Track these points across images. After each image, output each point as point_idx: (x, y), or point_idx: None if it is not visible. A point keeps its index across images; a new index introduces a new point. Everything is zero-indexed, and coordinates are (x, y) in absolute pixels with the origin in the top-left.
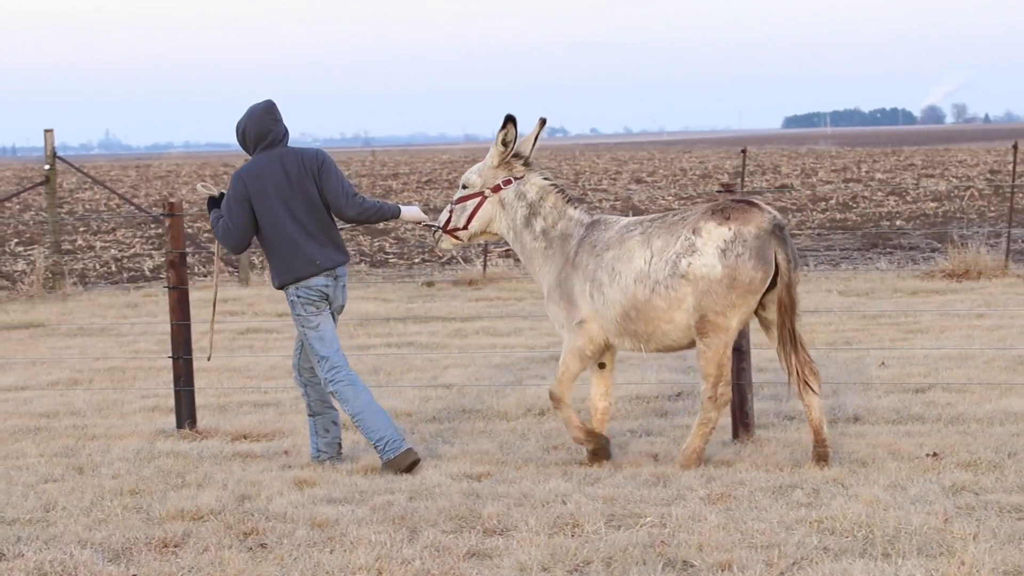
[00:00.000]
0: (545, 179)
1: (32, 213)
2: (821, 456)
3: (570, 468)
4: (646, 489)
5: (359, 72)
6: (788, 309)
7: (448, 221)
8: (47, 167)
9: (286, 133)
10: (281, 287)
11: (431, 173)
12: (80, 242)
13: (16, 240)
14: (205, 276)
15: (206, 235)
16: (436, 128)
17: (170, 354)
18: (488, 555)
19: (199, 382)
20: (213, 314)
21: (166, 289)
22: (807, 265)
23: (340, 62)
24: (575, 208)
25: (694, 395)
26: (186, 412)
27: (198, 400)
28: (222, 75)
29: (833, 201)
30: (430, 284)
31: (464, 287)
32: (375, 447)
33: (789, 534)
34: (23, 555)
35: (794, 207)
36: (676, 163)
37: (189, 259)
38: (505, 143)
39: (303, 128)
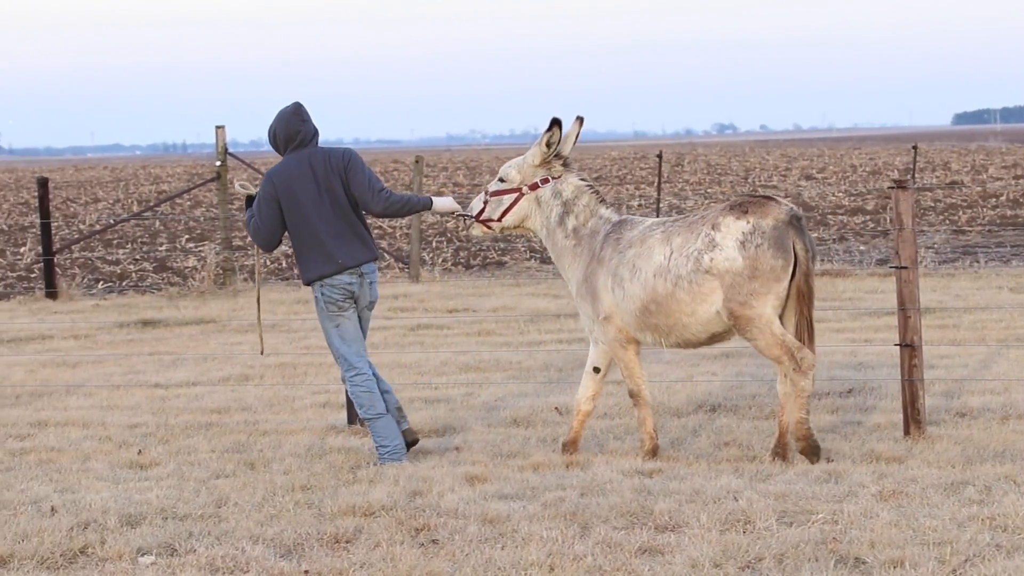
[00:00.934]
0: (581, 179)
1: (203, 209)
2: (779, 454)
3: (741, 464)
4: (817, 486)
5: (527, 69)
6: (806, 298)
7: (482, 211)
8: (218, 163)
9: (315, 133)
10: (308, 283)
11: (600, 170)
12: (250, 238)
13: (187, 236)
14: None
15: (376, 231)
16: (605, 124)
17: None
18: (660, 551)
19: None
20: (259, 311)
21: None
22: (977, 261)
23: (506, 60)
24: (606, 208)
25: (865, 391)
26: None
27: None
28: (396, 71)
29: (1004, 198)
30: None
31: None
32: (377, 449)
33: (961, 531)
34: (195, 551)
35: (964, 203)
36: (846, 160)
37: None
38: (549, 144)
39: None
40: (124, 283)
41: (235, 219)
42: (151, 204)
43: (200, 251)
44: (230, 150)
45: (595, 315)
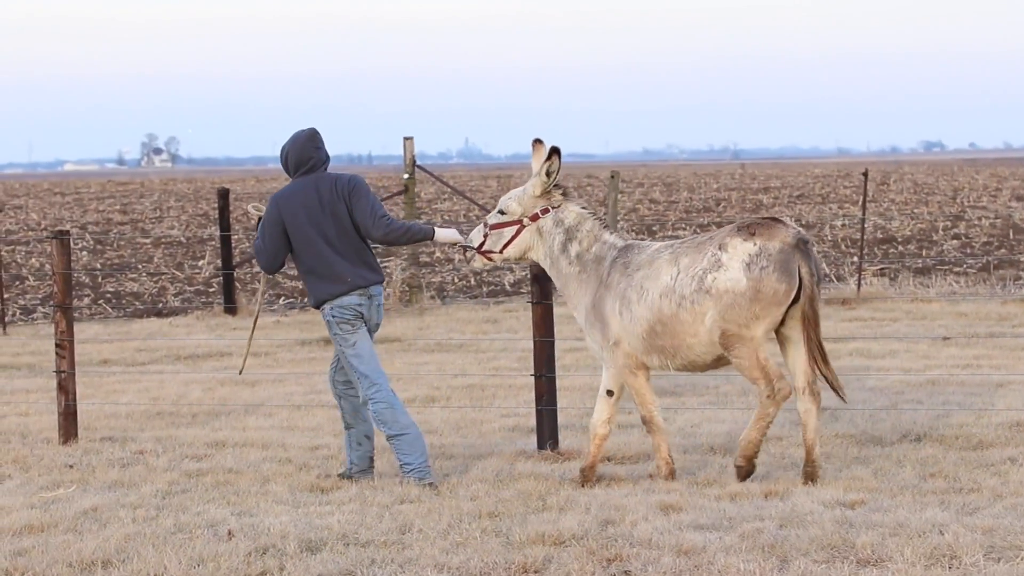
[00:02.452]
0: (583, 207)
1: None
2: (809, 475)
3: (947, 496)
4: None
5: (729, 82)
6: (812, 322)
7: (483, 243)
8: (406, 176)
9: (326, 160)
10: (317, 306)
11: (803, 187)
12: (438, 254)
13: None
14: None
15: None
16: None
17: (532, 372)
18: None
19: (561, 401)
20: (252, 330)
21: (529, 304)
22: None
23: (703, 72)
24: (610, 233)
25: None
26: (548, 432)
27: (560, 420)
28: (592, 82)
29: None
30: None
31: (837, 306)
32: (401, 469)
33: None
34: None
35: None
36: None
37: None
38: (548, 174)
39: (669, 139)
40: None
41: None
42: None
43: (385, 267)
44: (418, 163)
45: (605, 341)
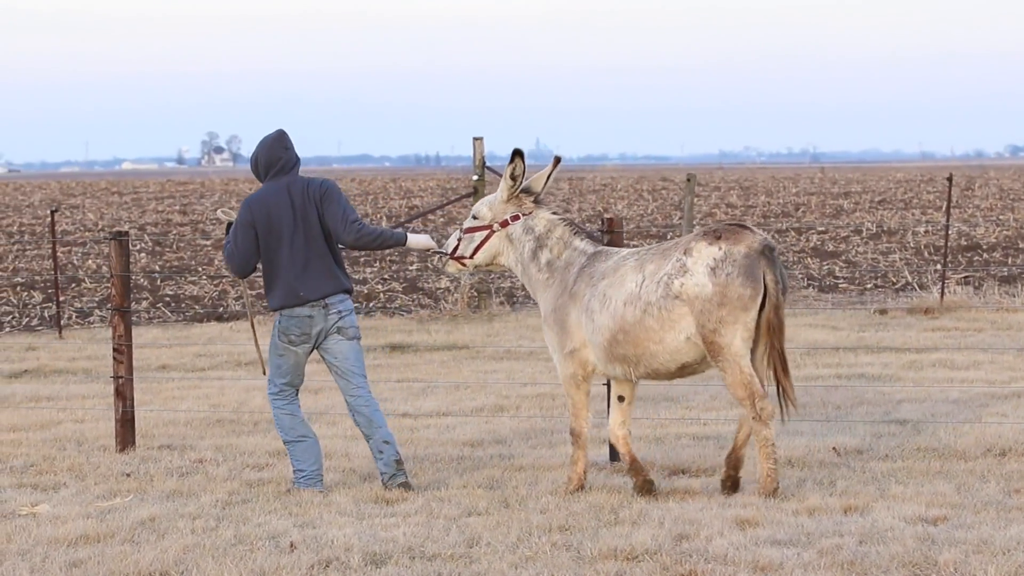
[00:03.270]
0: (553, 213)
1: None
2: (729, 485)
3: None
4: None
5: (808, 82)
6: (776, 330)
7: (456, 248)
8: (475, 177)
9: (297, 161)
10: (273, 311)
11: (884, 192)
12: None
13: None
14: None
15: None
16: (890, 144)
17: (604, 381)
18: None
19: (636, 411)
20: (254, 332)
21: None
22: None
23: (787, 71)
24: (581, 239)
25: None
26: None
27: (633, 431)
28: (666, 81)
29: None
30: (883, 312)
31: (920, 315)
32: (294, 472)
33: None
34: None
35: None
36: None
37: None
38: (514, 177)
39: (746, 142)
40: (371, 304)
41: None
42: (401, 220)
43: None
44: (488, 163)
45: (560, 347)
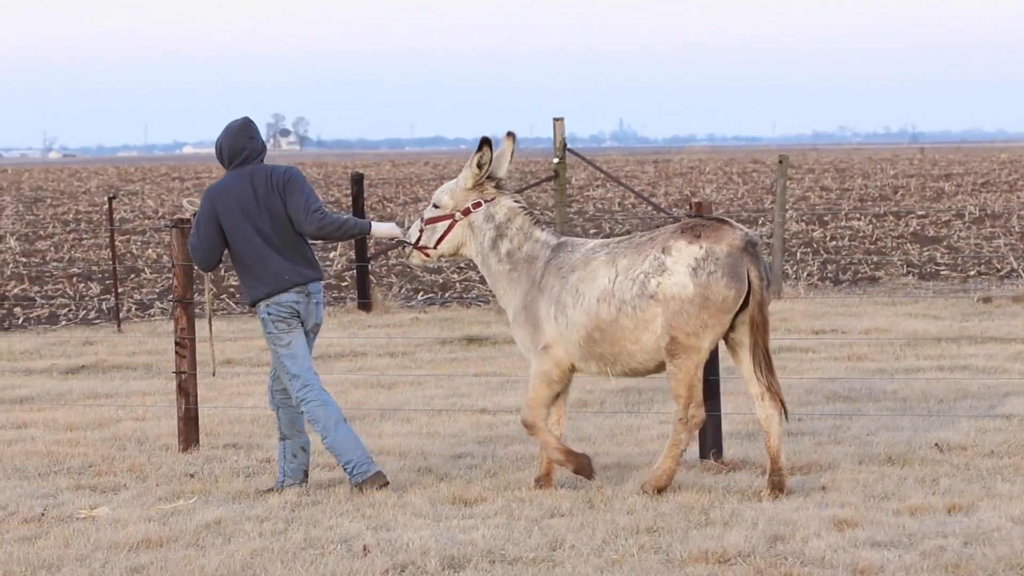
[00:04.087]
0: (515, 201)
1: (537, 212)
2: (776, 485)
3: None
4: None
5: (907, 59)
6: (761, 328)
7: (419, 239)
8: (556, 160)
9: (262, 150)
10: (253, 304)
11: (988, 174)
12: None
13: None
14: None
15: None
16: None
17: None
18: None
19: (725, 406)
20: (211, 329)
21: None
22: None
23: (884, 47)
24: (542, 230)
25: None
26: (711, 440)
27: (724, 427)
28: (755, 59)
29: None
30: (987, 300)
31: None
32: (344, 469)
33: None
34: None
35: None
36: None
37: None
38: (480, 165)
39: (841, 121)
40: (447, 294)
41: (574, 224)
42: None
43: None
44: (569, 146)
45: (533, 345)
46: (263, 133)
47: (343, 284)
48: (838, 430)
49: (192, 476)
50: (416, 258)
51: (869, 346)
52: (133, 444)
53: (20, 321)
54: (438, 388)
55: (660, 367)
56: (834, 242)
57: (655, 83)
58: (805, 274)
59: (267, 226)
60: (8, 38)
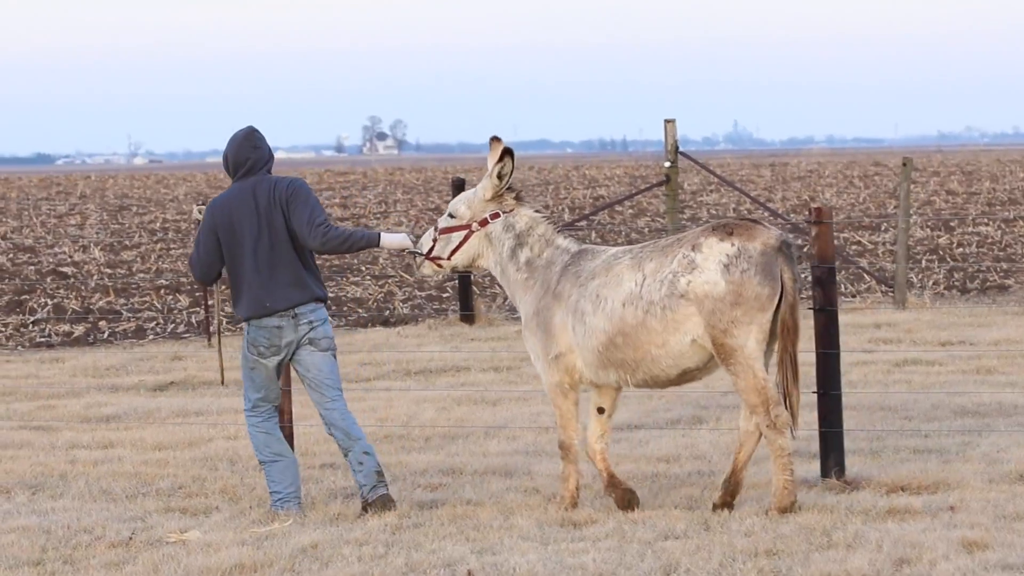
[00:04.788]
0: (536, 211)
1: (648, 219)
2: (724, 502)
3: None
4: None
5: None
6: (792, 333)
7: (432, 249)
8: (667, 164)
9: (268, 159)
10: (241, 321)
11: None
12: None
13: None
14: (854, 296)
15: (854, 247)
16: None
17: (814, 389)
18: None
19: (848, 422)
20: (220, 342)
21: (809, 311)
22: None
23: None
24: (564, 238)
25: None
26: (833, 458)
27: (847, 444)
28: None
29: None
30: None
31: None
32: (271, 495)
33: None
34: None
35: None
36: None
37: (838, 275)
38: (501, 176)
39: (968, 121)
40: None
41: (685, 230)
42: (586, 212)
43: None
44: (681, 148)
45: (543, 353)
46: (359, 137)
47: (444, 295)
48: (966, 447)
49: None
50: (427, 268)
51: (999, 358)
52: (225, 464)
53: (106, 336)
54: (545, 404)
55: (682, 376)
56: (961, 249)
57: (771, 82)
58: (931, 283)
59: (264, 244)
60: (94, 39)
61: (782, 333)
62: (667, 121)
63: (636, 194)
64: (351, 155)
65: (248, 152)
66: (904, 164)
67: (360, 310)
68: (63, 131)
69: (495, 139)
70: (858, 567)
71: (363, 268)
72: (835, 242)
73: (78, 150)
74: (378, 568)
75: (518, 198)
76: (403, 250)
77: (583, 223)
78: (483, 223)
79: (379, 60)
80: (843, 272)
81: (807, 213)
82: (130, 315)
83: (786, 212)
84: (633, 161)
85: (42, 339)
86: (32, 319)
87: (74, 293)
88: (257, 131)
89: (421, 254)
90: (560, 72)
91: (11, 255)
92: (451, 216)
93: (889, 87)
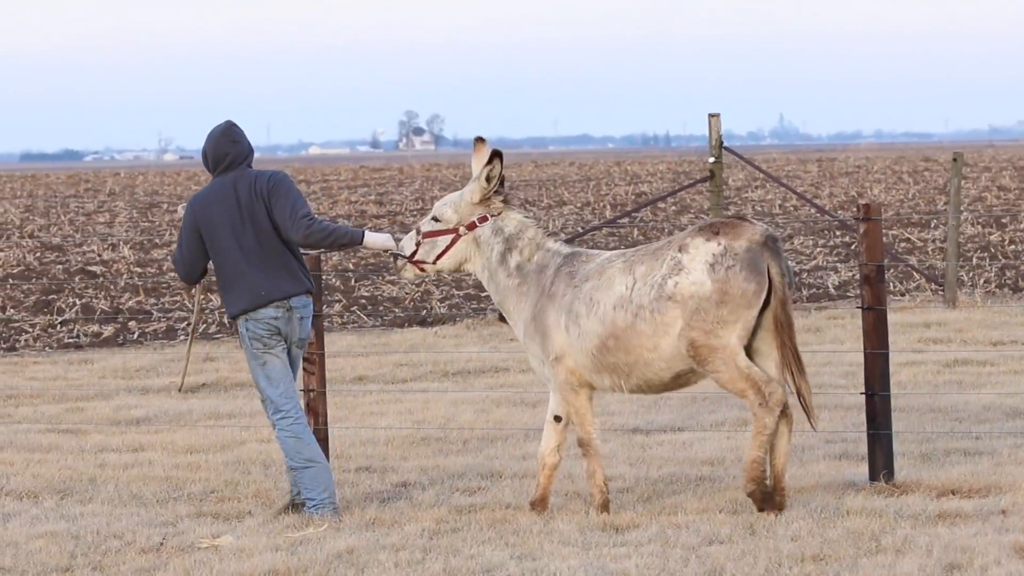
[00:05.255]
0: (525, 215)
1: (691, 216)
2: (778, 506)
3: None
4: None
5: None
6: (786, 327)
7: (415, 252)
8: (711, 160)
9: (248, 154)
10: (232, 318)
11: None
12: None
13: None
14: (903, 295)
15: (903, 244)
16: None
17: (862, 390)
18: None
19: (897, 424)
20: (190, 344)
21: (857, 310)
22: None
23: None
24: (554, 241)
25: None
26: (882, 461)
27: (896, 446)
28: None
29: None
30: None
31: None
32: (304, 502)
33: None
34: None
35: None
36: None
37: (886, 273)
38: (489, 179)
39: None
40: None
41: None
42: (628, 209)
43: None
44: (725, 143)
45: (545, 356)
46: (395, 132)
47: (482, 294)
48: (1019, 449)
49: None
50: (409, 272)
51: None
52: (258, 468)
53: (136, 336)
54: None
55: (677, 380)
56: (1013, 246)
57: (818, 76)
58: (982, 281)
59: (248, 237)
60: (122, 34)
61: (776, 328)
62: (711, 115)
63: (679, 190)
64: (387, 151)
65: (227, 147)
66: (955, 159)
67: (396, 310)
68: (91, 127)
69: (479, 140)
70: (907, 572)
71: None
72: (884, 240)
73: (107, 146)
74: (415, 574)
75: (505, 201)
76: (386, 251)
77: (625, 220)
78: (471, 227)
79: (416, 54)
80: (892, 270)
81: (855, 210)
82: (160, 315)
83: (833, 209)
84: (676, 156)
85: (70, 340)
86: (60, 319)
87: (103, 293)
88: (236, 126)
89: (404, 257)
90: (601, 66)
91: (39, 254)
92: (435, 219)
93: (939, 81)
